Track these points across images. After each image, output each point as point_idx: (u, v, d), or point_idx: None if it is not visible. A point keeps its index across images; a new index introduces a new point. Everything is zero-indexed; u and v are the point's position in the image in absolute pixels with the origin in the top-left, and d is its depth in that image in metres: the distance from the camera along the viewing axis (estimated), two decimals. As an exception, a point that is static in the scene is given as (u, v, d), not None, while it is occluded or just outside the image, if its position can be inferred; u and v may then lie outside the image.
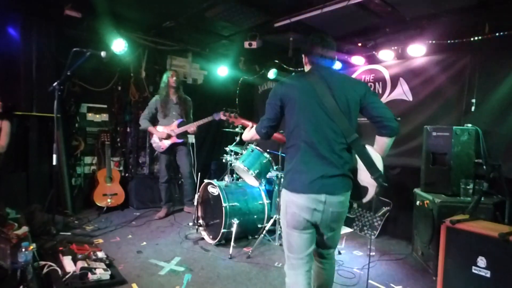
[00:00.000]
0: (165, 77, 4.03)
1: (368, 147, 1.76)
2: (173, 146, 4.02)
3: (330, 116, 1.66)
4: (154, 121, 4.09)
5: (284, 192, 1.75)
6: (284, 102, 1.73)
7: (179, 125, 3.96)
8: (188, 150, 4.14)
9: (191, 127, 3.89)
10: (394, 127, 1.71)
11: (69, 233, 3.33)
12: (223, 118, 2.51)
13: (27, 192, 3.71)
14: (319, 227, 1.75)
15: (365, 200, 1.82)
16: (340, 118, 1.65)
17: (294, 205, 1.70)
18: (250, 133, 2.00)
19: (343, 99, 1.68)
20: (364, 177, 1.76)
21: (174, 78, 4.00)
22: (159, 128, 4.04)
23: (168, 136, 3.96)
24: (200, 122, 3.87)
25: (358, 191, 1.79)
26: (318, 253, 1.88)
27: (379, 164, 1.72)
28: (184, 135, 3.99)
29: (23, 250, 2.13)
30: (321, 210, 1.67)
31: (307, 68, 1.86)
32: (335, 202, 1.68)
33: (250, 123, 2.18)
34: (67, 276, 2.28)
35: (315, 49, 1.78)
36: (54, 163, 3.15)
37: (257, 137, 1.91)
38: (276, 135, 2.05)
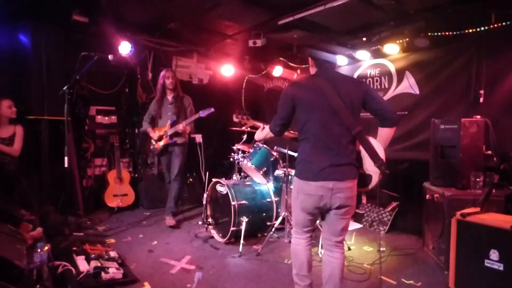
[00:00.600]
0: (161, 77, 3.87)
1: (370, 139, 1.95)
2: (167, 147, 3.89)
3: (336, 112, 1.85)
4: (155, 123, 4.03)
5: (296, 180, 1.98)
6: (295, 102, 1.94)
7: (171, 125, 3.80)
8: (181, 151, 3.88)
9: (180, 126, 3.70)
10: (394, 118, 1.95)
11: (82, 234, 3.40)
12: (236, 120, 2.70)
13: (40, 194, 3.79)
14: (330, 212, 1.94)
15: (370, 187, 2.02)
16: (345, 113, 1.85)
17: (303, 193, 1.93)
18: (263, 132, 2.24)
19: (347, 97, 1.87)
20: (368, 165, 1.97)
21: (170, 80, 3.84)
22: (157, 129, 3.96)
23: (160, 138, 3.85)
24: (188, 120, 3.74)
25: (364, 179, 1.99)
26: (329, 240, 2.01)
27: (381, 154, 1.91)
28: (178, 135, 3.80)
29: (39, 250, 2.18)
30: (328, 196, 1.86)
31: (312, 70, 2.07)
32: (343, 188, 1.86)
33: (261, 124, 2.41)
34: (81, 276, 2.33)
35: (319, 54, 2.03)
36: (66, 165, 3.21)
37: (271, 134, 2.13)
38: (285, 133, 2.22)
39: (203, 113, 3.64)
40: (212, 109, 3.67)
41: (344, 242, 2.05)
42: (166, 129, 3.83)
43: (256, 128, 2.47)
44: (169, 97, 3.92)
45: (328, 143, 1.86)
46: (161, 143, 3.86)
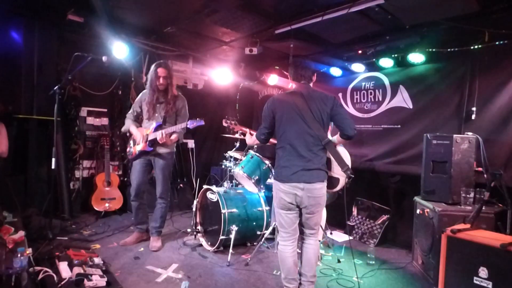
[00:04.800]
0: (152, 72, 3.21)
1: (338, 148, 2.33)
2: (146, 155, 3.28)
3: (308, 124, 2.21)
4: (140, 122, 3.43)
5: (275, 182, 2.32)
6: (274, 114, 2.30)
7: (155, 129, 3.20)
8: (165, 164, 3.27)
9: (159, 134, 3.09)
10: (350, 134, 2.26)
11: (66, 238, 3.31)
12: (225, 124, 2.98)
13: (25, 195, 3.69)
14: (301, 210, 2.27)
15: (337, 189, 2.41)
16: (315, 125, 2.21)
17: (280, 192, 2.26)
18: (251, 139, 2.60)
19: (317, 111, 2.23)
20: (336, 170, 2.34)
21: (161, 81, 3.17)
22: (141, 129, 3.35)
23: (139, 141, 3.27)
24: (170, 129, 3.11)
25: (332, 181, 2.36)
26: (304, 232, 2.36)
27: (347, 160, 2.31)
28: (159, 144, 3.18)
29: (19, 255, 2.10)
30: (300, 195, 2.20)
31: (292, 85, 2.46)
32: (312, 189, 2.20)
33: (247, 130, 2.81)
34: (62, 283, 2.25)
35: (296, 73, 2.37)
36: (53, 166, 3.12)
37: (257, 142, 2.50)
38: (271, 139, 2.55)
39: (191, 124, 3.03)
40: (203, 122, 3.06)
41: (317, 232, 2.37)
42: (148, 132, 3.24)
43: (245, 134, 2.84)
44: (160, 95, 3.27)
45: (300, 151, 2.20)
46: (138, 147, 3.26)
